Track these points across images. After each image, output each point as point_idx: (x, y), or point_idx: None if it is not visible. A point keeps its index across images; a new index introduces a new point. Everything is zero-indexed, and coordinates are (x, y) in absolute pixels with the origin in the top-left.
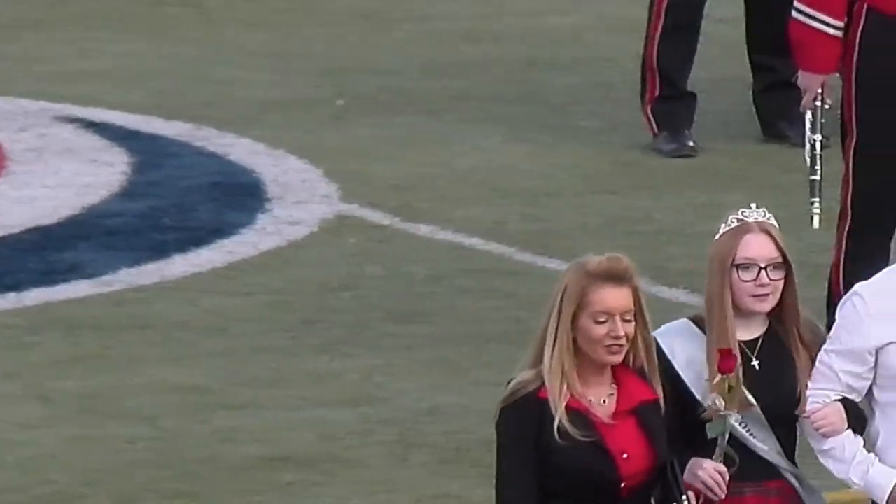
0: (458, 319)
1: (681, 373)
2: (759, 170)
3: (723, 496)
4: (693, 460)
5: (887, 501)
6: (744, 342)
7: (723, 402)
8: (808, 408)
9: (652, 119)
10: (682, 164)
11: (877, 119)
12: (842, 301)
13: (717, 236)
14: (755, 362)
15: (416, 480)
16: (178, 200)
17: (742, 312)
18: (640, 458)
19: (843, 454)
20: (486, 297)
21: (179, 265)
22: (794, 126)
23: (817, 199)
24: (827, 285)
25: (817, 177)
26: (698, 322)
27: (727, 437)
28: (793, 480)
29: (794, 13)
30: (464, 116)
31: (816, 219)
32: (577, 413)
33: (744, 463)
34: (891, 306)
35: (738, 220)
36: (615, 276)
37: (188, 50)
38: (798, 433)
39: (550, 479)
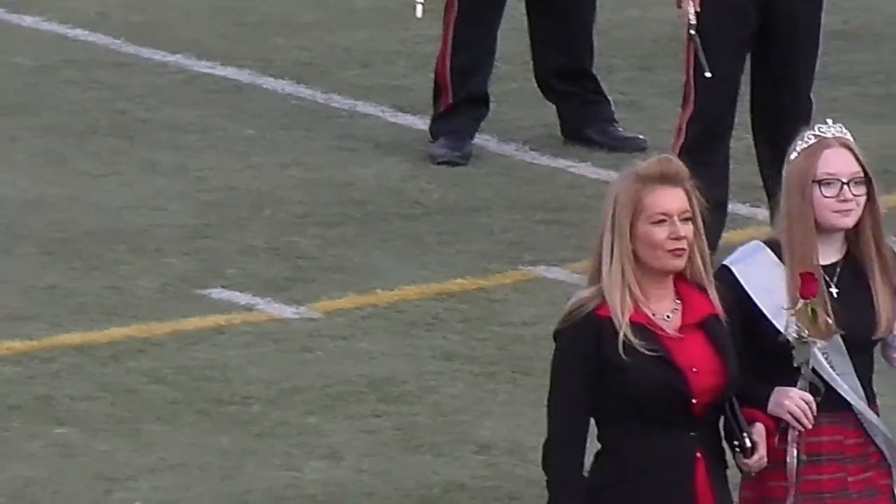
0: (63, 111)
1: (756, 300)
2: None
3: (810, 426)
4: (777, 390)
5: None
6: (822, 267)
7: (806, 329)
8: None
9: None
10: None
11: None
12: None
13: (792, 155)
14: (834, 289)
15: (23, 272)
16: None
17: (823, 231)
18: (710, 374)
19: None
20: (92, 89)
21: None
22: None
23: None
24: (433, 75)
25: None
26: (772, 245)
27: (811, 365)
28: (861, 409)
29: None
30: None
31: (419, 8)
32: (642, 327)
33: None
34: None
35: (815, 136)
36: (668, 177)
37: None
38: (873, 361)
39: (619, 401)
